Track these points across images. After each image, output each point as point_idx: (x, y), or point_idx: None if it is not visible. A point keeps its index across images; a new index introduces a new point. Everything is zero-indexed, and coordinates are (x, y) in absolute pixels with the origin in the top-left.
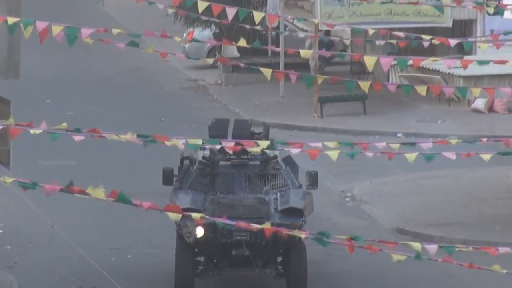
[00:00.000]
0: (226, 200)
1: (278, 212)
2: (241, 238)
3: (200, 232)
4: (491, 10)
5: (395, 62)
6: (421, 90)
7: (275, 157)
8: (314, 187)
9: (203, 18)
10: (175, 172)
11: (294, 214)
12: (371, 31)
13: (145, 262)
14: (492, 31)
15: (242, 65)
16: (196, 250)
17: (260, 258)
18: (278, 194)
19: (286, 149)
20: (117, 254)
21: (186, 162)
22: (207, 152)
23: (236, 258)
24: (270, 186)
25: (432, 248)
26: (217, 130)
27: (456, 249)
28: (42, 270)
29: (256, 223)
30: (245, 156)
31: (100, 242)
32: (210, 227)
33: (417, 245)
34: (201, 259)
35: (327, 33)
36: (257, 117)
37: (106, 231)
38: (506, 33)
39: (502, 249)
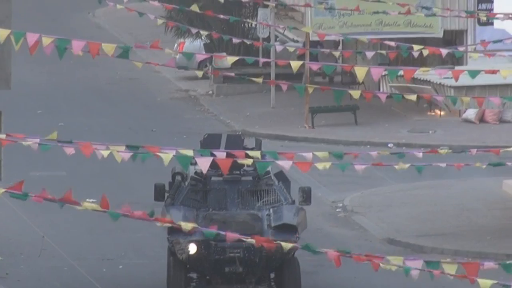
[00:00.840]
0: (218, 216)
1: (271, 228)
2: (234, 255)
3: (192, 248)
4: (483, 17)
5: (386, 72)
6: (411, 97)
7: (268, 172)
8: (307, 203)
9: (193, 30)
10: (167, 187)
11: (288, 231)
12: (364, 39)
13: (136, 272)
14: (483, 41)
15: (232, 75)
16: (188, 266)
17: (253, 274)
18: (271, 210)
19: (277, 161)
20: (108, 264)
21: (178, 177)
22: (198, 167)
23: (229, 275)
24: (263, 202)
25: (417, 263)
26: (210, 145)
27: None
28: (33, 281)
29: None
30: (238, 172)
31: (91, 252)
32: (203, 244)
33: (398, 260)
34: (194, 275)
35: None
36: (248, 128)
37: (97, 242)
38: (496, 42)
39: (488, 264)
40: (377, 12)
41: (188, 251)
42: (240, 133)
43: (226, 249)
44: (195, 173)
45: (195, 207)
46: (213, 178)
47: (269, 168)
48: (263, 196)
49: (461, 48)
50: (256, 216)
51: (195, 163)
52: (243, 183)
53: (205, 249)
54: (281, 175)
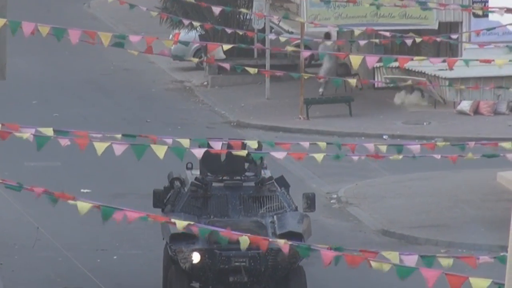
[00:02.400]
0: (221, 224)
1: (276, 236)
2: (239, 264)
3: (196, 257)
4: (479, 12)
5: (381, 64)
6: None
7: (271, 178)
8: (311, 209)
9: (185, 21)
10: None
11: (293, 239)
12: (357, 32)
13: (131, 263)
14: (478, 33)
15: (227, 66)
16: (191, 276)
17: (258, 284)
18: (275, 217)
19: (272, 153)
20: (103, 255)
21: (177, 183)
22: (194, 172)
23: (234, 285)
24: (266, 208)
25: (412, 258)
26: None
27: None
28: (27, 271)
29: (254, 248)
30: (239, 178)
31: (86, 243)
32: (207, 253)
33: (394, 255)
34: (196, 285)
35: (327, 36)
36: (243, 119)
37: (92, 233)
38: (489, 29)
39: (483, 258)
40: (373, 4)
41: (192, 260)
42: (244, 140)
43: (231, 258)
44: (196, 178)
45: (196, 214)
46: (214, 184)
47: (268, 172)
48: (266, 203)
49: (454, 36)
50: (260, 224)
51: (191, 167)
52: (245, 189)
53: (209, 258)
54: (281, 180)
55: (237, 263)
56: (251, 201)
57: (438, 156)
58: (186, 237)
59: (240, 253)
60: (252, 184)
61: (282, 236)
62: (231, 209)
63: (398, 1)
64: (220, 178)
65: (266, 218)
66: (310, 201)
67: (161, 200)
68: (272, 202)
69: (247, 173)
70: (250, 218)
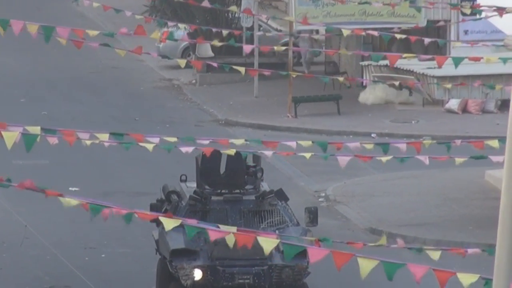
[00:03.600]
0: (223, 239)
1: (280, 252)
2: (244, 281)
3: (198, 274)
4: (467, 11)
5: (370, 62)
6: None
7: (271, 191)
8: (314, 224)
9: (171, 23)
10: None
11: (297, 255)
12: (346, 32)
13: (119, 261)
14: (466, 31)
15: (215, 65)
16: None
17: None
18: (277, 232)
19: (259, 151)
20: (91, 253)
21: (174, 197)
22: (190, 184)
23: None
24: (267, 223)
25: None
26: (209, 163)
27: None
28: (15, 269)
29: (259, 265)
30: (238, 191)
31: (74, 241)
32: (209, 269)
33: (382, 241)
34: None
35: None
36: (231, 117)
37: (80, 231)
38: (476, 19)
39: (471, 250)
40: (362, 2)
41: (193, 277)
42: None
43: (235, 275)
44: (194, 192)
45: None
46: (213, 198)
47: (267, 187)
48: (266, 217)
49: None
50: None
51: (185, 180)
52: (245, 203)
53: (212, 275)
54: (280, 194)
55: (241, 280)
56: (252, 215)
57: (426, 160)
58: (187, 253)
59: (244, 269)
60: (252, 197)
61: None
62: (231, 223)
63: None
64: (219, 191)
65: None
66: (313, 215)
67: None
68: (273, 217)
69: (246, 186)
70: None
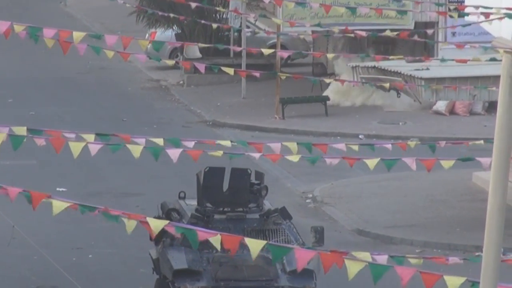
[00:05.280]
0: (227, 260)
1: (286, 273)
2: None
3: None
4: (455, 15)
5: (358, 63)
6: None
7: (276, 210)
8: (320, 243)
9: (161, 13)
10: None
11: (305, 276)
12: (336, 30)
13: (106, 261)
14: (454, 33)
15: (203, 67)
16: None
17: None
18: None
19: (247, 153)
20: (78, 253)
21: (175, 215)
22: (189, 202)
23: None
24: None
25: (382, 258)
26: (212, 180)
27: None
28: (2, 269)
29: (265, 286)
30: (242, 209)
31: (61, 241)
32: None
33: (365, 255)
34: None
35: None
36: (219, 118)
37: (67, 231)
38: (464, 26)
39: (452, 259)
40: (350, 7)
41: None
42: (248, 169)
43: None
44: (196, 210)
45: (198, 248)
46: (215, 216)
47: (269, 205)
48: (271, 236)
49: (429, 31)
50: (269, 259)
51: (184, 197)
52: (249, 222)
53: None
54: (283, 212)
55: None
56: (255, 234)
57: (413, 164)
58: (190, 273)
59: None
60: (256, 216)
61: (292, 273)
62: None
63: (374, 1)
64: (222, 209)
65: None
66: (319, 234)
67: (160, 233)
68: (278, 236)
69: (249, 205)
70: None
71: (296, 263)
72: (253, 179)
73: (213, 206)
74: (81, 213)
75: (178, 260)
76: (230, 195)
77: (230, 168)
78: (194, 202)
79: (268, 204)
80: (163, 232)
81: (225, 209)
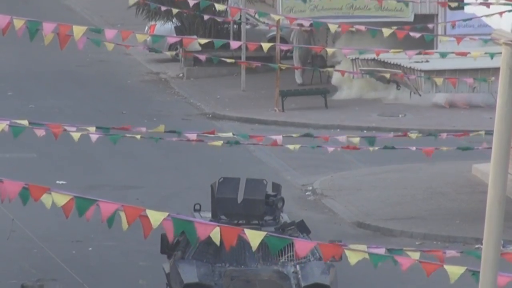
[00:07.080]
0: (240, 274)
1: None
2: None
3: None
4: (453, 5)
5: (357, 55)
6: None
7: (292, 223)
8: (337, 258)
9: (163, 8)
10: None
11: None
12: (333, 28)
13: (106, 254)
14: (453, 25)
15: (203, 59)
16: None
17: None
18: (298, 266)
19: (247, 143)
20: (78, 246)
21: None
22: (204, 214)
23: None
24: (287, 257)
25: (379, 251)
26: (226, 191)
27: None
28: (2, 263)
29: None
30: (256, 222)
31: (61, 234)
32: None
33: (362, 247)
34: None
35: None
36: (219, 111)
37: (67, 224)
38: (465, 20)
39: (449, 252)
40: None
41: None
42: (264, 180)
43: None
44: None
45: (210, 262)
46: None
47: (287, 218)
48: (287, 250)
49: (430, 25)
50: (283, 274)
51: (199, 209)
52: None
53: None
54: (301, 226)
55: None
56: None
57: (413, 148)
58: None
59: None
60: (272, 229)
61: None
62: (249, 257)
63: None
64: (236, 222)
65: (287, 268)
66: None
67: (170, 245)
68: (294, 250)
69: (265, 217)
70: (270, 267)
71: (297, 252)
72: (269, 190)
73: (227, 218)
74: (80, 213)
75: (189, 273)
76: (245, 207)
77: (245, 178)
78: (209, 215)
79: (285, 217)
80: (175, 245)
81: (240, 222)
